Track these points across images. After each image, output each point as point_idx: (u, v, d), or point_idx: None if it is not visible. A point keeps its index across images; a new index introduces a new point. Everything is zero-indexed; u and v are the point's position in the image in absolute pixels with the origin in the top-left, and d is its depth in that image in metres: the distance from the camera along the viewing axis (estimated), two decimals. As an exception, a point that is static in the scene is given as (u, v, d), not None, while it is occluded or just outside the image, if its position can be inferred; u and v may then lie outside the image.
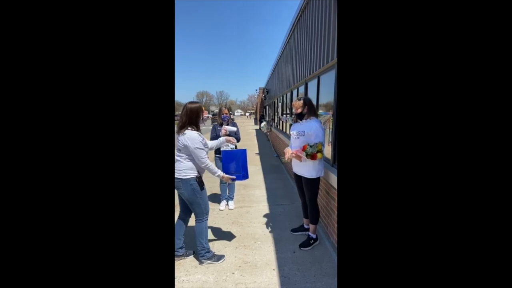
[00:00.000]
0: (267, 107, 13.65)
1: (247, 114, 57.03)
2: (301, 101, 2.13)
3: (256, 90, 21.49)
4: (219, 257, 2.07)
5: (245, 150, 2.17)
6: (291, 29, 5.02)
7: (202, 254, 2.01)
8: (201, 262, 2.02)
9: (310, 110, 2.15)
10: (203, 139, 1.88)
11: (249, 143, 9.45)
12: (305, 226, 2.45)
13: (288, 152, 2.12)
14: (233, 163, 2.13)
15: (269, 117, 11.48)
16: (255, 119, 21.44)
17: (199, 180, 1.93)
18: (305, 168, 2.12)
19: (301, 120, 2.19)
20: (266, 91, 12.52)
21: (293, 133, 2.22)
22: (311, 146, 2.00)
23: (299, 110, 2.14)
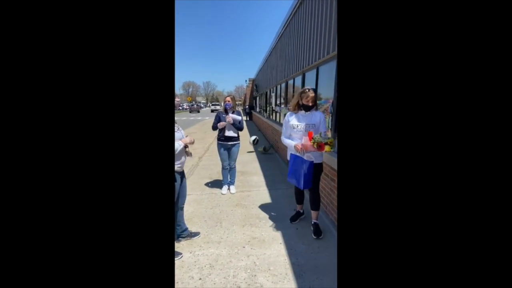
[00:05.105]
0: (257, 97, 13.68)
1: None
2: (314, 94, 2.13)
3: (246, 81, 21.36)
4: (195, 234, 2.27)
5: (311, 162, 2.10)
6: (288, 18, 5.06)
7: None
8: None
9: (316, 101, 2.21)
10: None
11: (241, 132, 9.50)
12: (300, 211, 2.57)
13: (299, 147, 2.09)
14: (298, 169, 2.14)
15: (260, 109, 11.48)
16: (244, 110, 21.41)
17: None
18: (315, 154, 2.15)
19: (306, 111, 2.18)
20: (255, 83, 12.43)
21: (301, 125, 2.18)
22: (321, 136, 1.99)
23: (312, 103, 2.14)
